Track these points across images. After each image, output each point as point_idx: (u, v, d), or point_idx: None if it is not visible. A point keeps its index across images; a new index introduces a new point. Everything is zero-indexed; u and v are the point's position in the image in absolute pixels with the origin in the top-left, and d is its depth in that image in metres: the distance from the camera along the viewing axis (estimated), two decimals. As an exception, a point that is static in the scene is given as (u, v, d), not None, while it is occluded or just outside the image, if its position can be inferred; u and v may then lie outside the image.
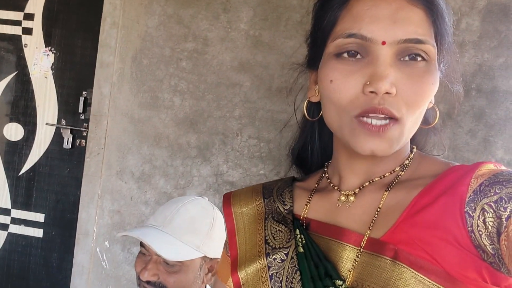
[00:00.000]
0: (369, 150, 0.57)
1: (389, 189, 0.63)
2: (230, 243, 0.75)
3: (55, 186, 2.72)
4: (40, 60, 2.72)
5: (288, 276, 0.65)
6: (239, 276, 0.70)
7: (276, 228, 0.70)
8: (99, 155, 2.49)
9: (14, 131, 2.76)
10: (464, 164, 0.61)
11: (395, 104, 0.56)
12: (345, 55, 0.59)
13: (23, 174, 2.75)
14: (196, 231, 1.09)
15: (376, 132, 0.56)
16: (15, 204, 2.76)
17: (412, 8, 0.57)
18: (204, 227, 1.10)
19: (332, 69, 0.60)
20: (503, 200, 0.52)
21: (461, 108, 2.30)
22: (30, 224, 2.74)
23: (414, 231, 0.57)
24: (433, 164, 0.64)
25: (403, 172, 0.64)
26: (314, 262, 0.62)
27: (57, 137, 2.70)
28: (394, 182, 0.63)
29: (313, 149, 0.76)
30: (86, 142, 2.58)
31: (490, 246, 0.52)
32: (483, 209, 0.53)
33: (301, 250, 0.64)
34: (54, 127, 2.70)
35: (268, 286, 0.66)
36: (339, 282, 0.59)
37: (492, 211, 0.52)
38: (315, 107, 0.70)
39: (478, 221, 0.53)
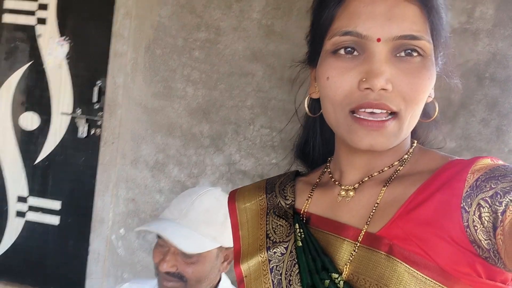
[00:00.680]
0: (367, 144, 0.59)
1: (387, 184, 0.64)
2: (233, 237, 0.77)
3: (70, 175, 2.77)
4: (54, 50, 2.75)
5: (287, 269, 0.67)
6: (242, 268, 0.73)
7: (277, 223, 0.72)
8: (114, 144, 2.53)
9: (30, 121, 2.80)
10: (462, 159, 0.61)
11: (392, 99, 0.58)
12: (342, 51, 0.60)
13: (39, 162, 2.80)
14: (212, 222, 1.12)
15: (374, 127, 0.58)
16: (32, 192, 2.82)
17: (407, 5, 0.58)
18: (219, 218, 1.12)
19: (328, 66, 0.61)
20: (499, 195, 0.52)
21: (474, 97, 2.29)
22: (47, 212, 2.80)
23: (409, 227, 0.58)
24: (432, 158, 0.65)
25: (402, 167, 0.65)
26: (311, 256, 0.64)
27: (72, 126, 2.74)
28: (393, 177, 0.65)
29: (315, 144, 0.78)
30: (100, 131, 2.61)
31: (486, 241, 0.53)
32: (479, 204, 0.54)
33: (300, 244, 0.66)
34: (69, 116, 2.74)
35: (269, 278, 0.69)
36: (335, 276, 0.61)
37: (488, 206, 0.53)
38: (316, 103, 0.71)
39: (474, 216, 0.54)
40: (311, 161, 0.80)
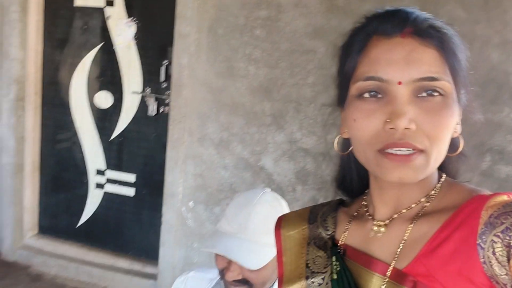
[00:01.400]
0: (396, 177, 0.61)
1: (414, 221, 0.67)
2: (278, 262, 0.83)
3: (143, 150, 2.95)
4: (123, 31, 2.87)
5: None
6: None
7: (316, 254, 0.77)
8: (181, 123, 2.64)
9: (104, 99, 2.99)
10: (484, 194, 0.63)
11: (417, 138, 0.60)
12: (366, 95, 0.64)
13: (114, 139, 3.00)
14: (270, 230, 1.15)
15: (402, 160, 0.61)
16: (109, 165, 3.04)
17: (425, 49, 0.61)
18: None
19: (355, 109, 0.65)
20: (509, 229, 0.54)
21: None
22: (123, 184, 3.02)
23: (432, 265, 0.62)
24: (458, 193, 0.67)
25: (428, 203, 0.68)
26: None
27: (143, 105, 2.89)
28: (419, 214, 0.67)
29: (352, 179, 0.81)
30: (169, 110, 2.73)
31: (502, 276, 0.55)
32: (492, 240, 0.56)
33: (335, 277, 0.71)
34: (140, 95, 2.88)
35: None
36: None
37: (500, 241, 0.55)
38: (348, 141, 0.74)
39: (488, 253, 0.56)
40: (352, 192, 0.83)
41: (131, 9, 2.85)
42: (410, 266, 0.64)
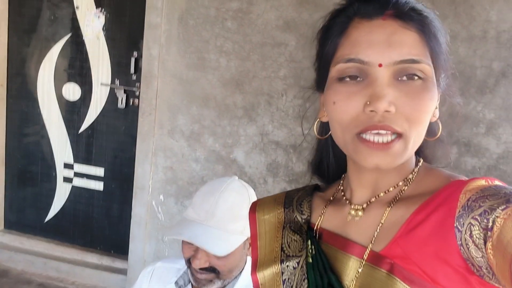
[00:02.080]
0: (373, 164, 0.61)
1: (392, 205, 0.67)
2: (252, 247, 0.83)
3: (112, 143, 2.90)
4: (91, 22, 2.81)
5: (297, 283, 0.72)
6: (258, 277, 0.79)
7: (291, 237, 0.77)
8: (151, 115, 2.61)
9: (72, 91, 2.92)
10: (462, 179, 0.64)
11: (396, 121, 0.60)
12: (346, 78, 0.63)
13: (82, 132, 2.93)
14: (238, 217, 1.16)
15: (380, 148, 0.61)
16: (77, 159, 2.98)
17: (405, 31, 0.61)
18: (244, 211, 1.16)
19: (334, 91, 0.64)
20: (486, 212, 0.54)
21: (516, 65, 2.20)
22: (91, 178, 2.96)
23: (409, 247, 0.62)
24: (435, 178, 0.67)
25: (406, 187, 0.68)
26: (320, 273, 0.69)
27: (112, 97, 2.84)
28: (397, 198, 0.68)
29: (329, 163, 0.81)
30: (139, 102, 2.70)
31: (478, 259, 0.56)
32: (469, 223, 0.56)
33: (310, 260, 0.71)
34: (109, 87, 2.83)
35: None
36: None
37: (478, 224, 0.55)
38: (326, 125, 0.74)
39: (466, 235, 0.57)
40: (328, 177, 0.83)
41: (100, 0, 2.79)
42: (387, 248, 0.64)
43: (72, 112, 2.94)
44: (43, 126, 3.00)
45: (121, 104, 2.79)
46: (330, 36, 0.66)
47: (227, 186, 1.20)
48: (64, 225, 3.06)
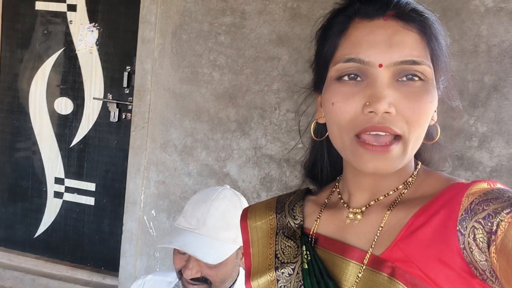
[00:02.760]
0: (372, 168, 0.60)
1: (392, 208, 0.66)
2: (245, 254, 0.81)
3: (104, 157, 2.87)
4: (85, 36, 2.82)
5: None
6: (252, 286, 0.76)
7: (285, 243, 0.75)
8: (144, 129, 2.59)
9: (64, 105, 2.90)
10: (462, 182, 0.63)
11: (395, 122, 0.59)
12: (346, 78, 0.62)
13: (74, 146, 2.91)
14: (229, 226, 1.14)
15: (378, 151, 0.59)
16: (68, 174, 2.94)
17: (407, 32, 0.61)
18: (236, 220, 1.13)
19: (333, 92, 0.63)
20: (490, 216, 0.54)
21: (508, 79, 2.21)
22: (83, 193, 2.93)
23: (410, 250, 0.60)
24: (435, 181, 0.66)
25: (406, 190, 0.67)
26: (316, 279, 0.67)
27: (104, 111, 2.82)
28: (397, 201, 0.66)
29: (323, 166, 0.79)
30: (131, 116, 2.68)
31: (482, 262, 0.55)
32: (473, 226, 0.55)
33: (306, 266, 0.69)
34: (101, 101, 2.82)
35: None
36: None
37: (481, 227, 0.54)
38: (322, 127, 0.72)
39: (469, 238, 0.55)
40: (320, 181, 0.81)
41: (93, 14, 2.80)
42: (388, 251, 0.62)
43: (64, 126, 2.92)
44: (34, 141, 2.97)
45: (114, 118, 2.78)
46: (329, 36, 0.65)
47: (218, 195, 1.19)
48: (54, 241, 3.01)
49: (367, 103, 0.59)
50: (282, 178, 2.49)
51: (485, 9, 2.21)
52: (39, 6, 2.87)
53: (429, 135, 0.66)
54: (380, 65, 0.59)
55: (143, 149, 2.62)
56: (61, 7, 2.83)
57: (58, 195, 2.97)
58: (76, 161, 2.92)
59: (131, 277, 2.69)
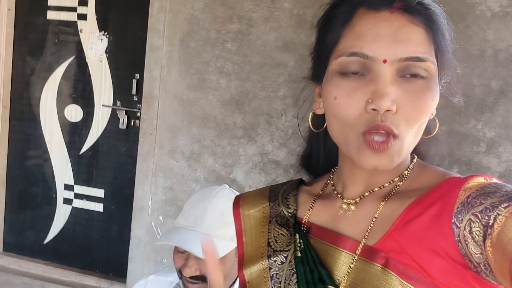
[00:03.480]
0: (372, 165, 0.60)
1: (386, 199, 0.65)
2: (237, 243, 0.80)
3: (113, 164, 2.90)
4: (95, 45, 2.87)
5: (286, 278, 0.69)
6: (244, 274, 0.76)
7: (278, 232, 0.74)
8: (152, 135, 2.62)
9: (74, 113, 2.95)
10: (458, 176, 0.62)
11: (395, 122, 0.58)
12: (348, 72, 0.61)
13: (83, 153, 2.94)
14: (227, 223, 1.14)
15: (379, 149, 0.59)
16: (78, 180, 2.98)
17: (413, 27, 0.59)
18: None
19: (335, 86, 0.62)
20: (488, 209, 0.53)
21: (514, 84, 2.21)
22: (92, 199, 2.96)
23: (404, 241, 0.60)
24: (431, 175, 0.66)
25: (401, 183, 0.67)
26: (309, 267, 0.66)
27: (113, 118, 2.86)
28: (392, 193, 0.66)
29: (319, 157, 0.79)
30: (139, 123, 2.71)
31: (477, 255, 0.54)
32: (469, 219, 0.55)
33: (299, 254, 0.68)
34: (110, 109, 2.86)
35: (269, 285, 0.71)
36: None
37: (478, 221, 0.54)
38: (319, 118, 0.72)
39: (465, 231, 0.55)
40: (316, 171, 0.81)
41: (103, 23, 2.85)
42: (382, 241, 0.62)
43: (74, 134, 2.96)
44: (45, 148, 3.01)
45: (123, 125, 2.81)
46: (332, 26, 0.63)
47: (217, 193, 1.20)
48: (63, 247, 3.03)
49: (370, 100, 0.58)
50: (289, 184, 2.49)
51: (491, 14, 2.21)
52: (51, 15, 2.93)
53: (427, 129, 0.65)
54: (384, 61, 0.58)
55: (151, 156, 2.64)
56: (72, 17, 2.89)
57: (67, 201, 3.00)
58: (86, 168, 2.95)
59: (139, 283, 2.69)
